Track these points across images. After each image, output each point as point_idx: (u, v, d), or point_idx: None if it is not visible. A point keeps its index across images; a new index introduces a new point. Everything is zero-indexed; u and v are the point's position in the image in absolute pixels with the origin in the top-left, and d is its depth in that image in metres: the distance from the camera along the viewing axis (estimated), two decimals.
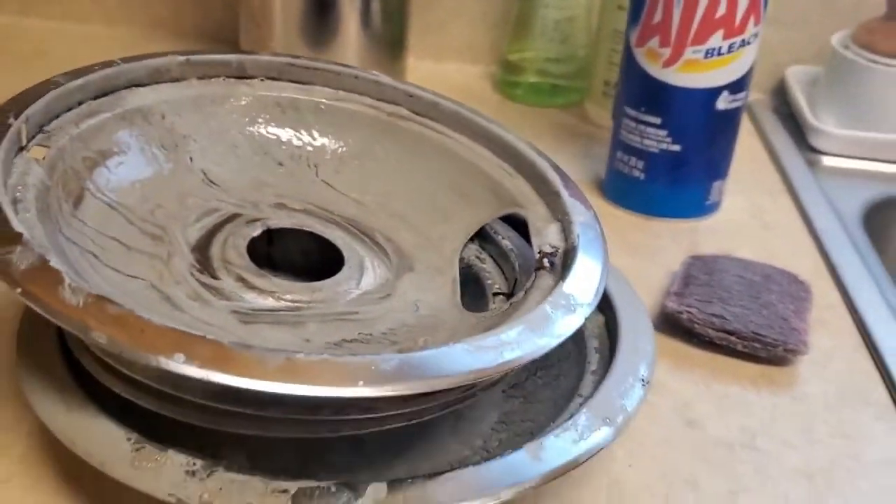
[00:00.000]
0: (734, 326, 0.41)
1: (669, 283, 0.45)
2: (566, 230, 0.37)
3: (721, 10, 0.48)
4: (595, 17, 0.67)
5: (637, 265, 0.48)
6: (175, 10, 0.76)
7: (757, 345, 0.41)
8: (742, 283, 0.44)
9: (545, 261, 0.36)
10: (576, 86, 0.69)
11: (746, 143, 0.65)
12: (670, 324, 0.43)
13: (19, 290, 0.27)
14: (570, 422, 0.31)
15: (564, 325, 0.31)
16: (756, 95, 0.73)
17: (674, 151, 0.51)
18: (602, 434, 0.31)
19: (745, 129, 0.68)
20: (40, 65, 0.69)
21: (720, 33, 0.48)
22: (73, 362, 0.32)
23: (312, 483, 0.27)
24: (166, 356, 0.26)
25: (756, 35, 0.50)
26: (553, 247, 0.37)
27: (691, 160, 0.52)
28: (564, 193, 0.39)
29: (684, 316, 0.42)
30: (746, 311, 0.42)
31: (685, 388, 0.40)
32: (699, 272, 0.45)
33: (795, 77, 0.70)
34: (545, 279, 0.35)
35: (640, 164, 0.53)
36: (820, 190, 0.58)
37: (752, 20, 0.49)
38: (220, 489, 0.27)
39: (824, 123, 0.65)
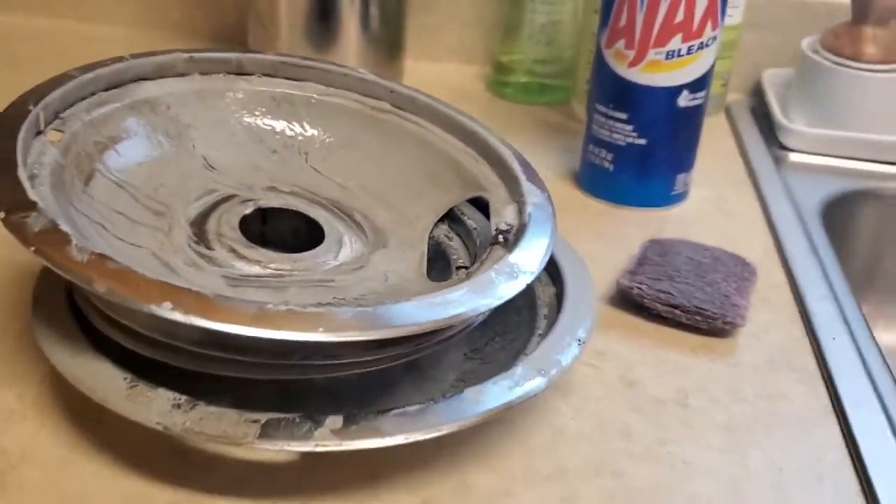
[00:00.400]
0: (679, 301, 0.45)
1: (627, 264, 0.50)
2: (521, 210, 0.42)
3: (679, 16, 0.52)
4: (580, 21, 0.71)
5: (603, 249, 0.53)
6: (190, 15, 0.81)
7: (698, 317, 0.45)
8: (691, 264, 0.48)
9: (500, 237, 0.40)
10: (562, 85, 0.74)
11: (720, 141, 0.70)
12: (624, 299, 0.47)
13: (33, 248, 0.32)
14: (508, 372, 0.35)
15: (506, 289, 0.35)
16: (735, 96, 0.77)
17: (639, 145, 0.56)
18: (535, 383, 0.35)
19: (722, 127, 0.72)
20: (68, 64, 0.74)
21: (679, 37, 0.53)
22: (80, 316, 0.37)
23: (280, 415, 0.32)
24: (157, 304, 0.30)
25: (714, 39, 0.54)
26: (508, 224, 0.41)
27: (656, 153, 0.56)
28: (522, 178, 0.43)
29: (634, 291, 0.46)
30: (692, 287, 0.46)
31: (631, 354, 0.44)
32: (654, 254, 0.49)
33: (771, 79, 0.74)
34: (498, 252, 0.39)
35: (610, 157, 0.57)
36: (782, 183, 0.63)
37: (709, 25, 0.53)
38: (201, 419, 0.32)
39: (795, 123, 0.68)
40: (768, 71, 0.75)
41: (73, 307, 0.38)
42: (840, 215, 0.63)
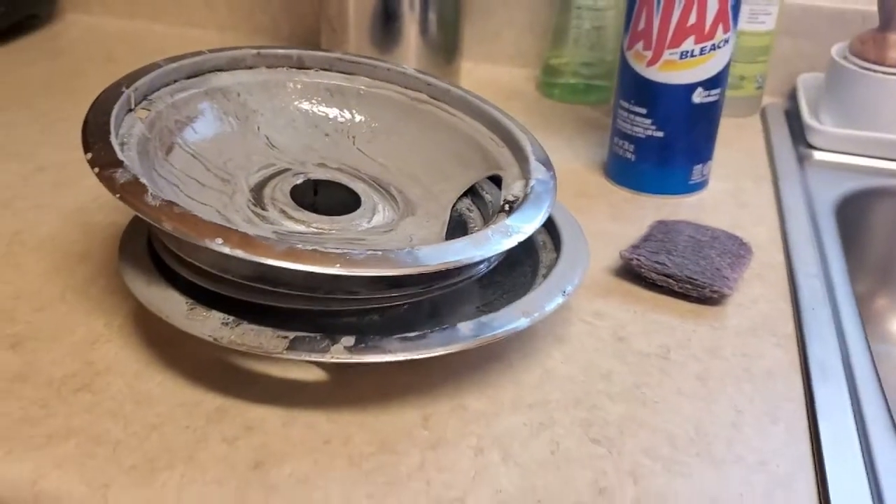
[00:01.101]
0: (672, 271, 0.51)
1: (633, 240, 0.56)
2: (527, 185, 0.48)
3: (692, 20, 0.58)
4: (621, 26, 0.77)
5: (617, 229, 0.59)
6: (274, 18, 0.90)
7: (689, 286, 0.51)
8: (690, 241, 0.54)
9: (506, 206, 0.47)
10: (605, 85, 0.80)
11: (751, 140, 0.75)
12: (625, 270, 0.53)
13: (118, 195, 0.40)
14: (497, 313, 0.42)
15: (499, 244, 0.42)
16: (773, 99, 0.81)
17: (658, 137, 0.62)
18: (519, 321, 0.42)
19: (754, 127, 0.77)
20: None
21: (692, 38, 0.58)
22: (156, 258, 0.45)
23: (305, 333, 0.40)
24: (210, 239, 0.38)
25: (726, 41, 0.59)
26: (514, 196, 0.48)
27: (673, 145, 0.62)
28: (532, 158, 0.50)
29: (633, 262, 0.52)
30: (686, 261, 0.52)
31: (624, 316, 0.50)
32: (658, 232, 0.55)
33: (804, 83, 0.78)
34: (501, 218, 0.46)
35: (632, 148, 0.63)
36: (802, 179, 0.67)
37: (720, 28, 0.58)
38: (243, 334, 0.40)
39: (824, 124, 0.73)
40: (803, 75, 0.80)
41: (151, 252, 0.46)
42: (856, 210, 0.67)
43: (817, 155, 0.72)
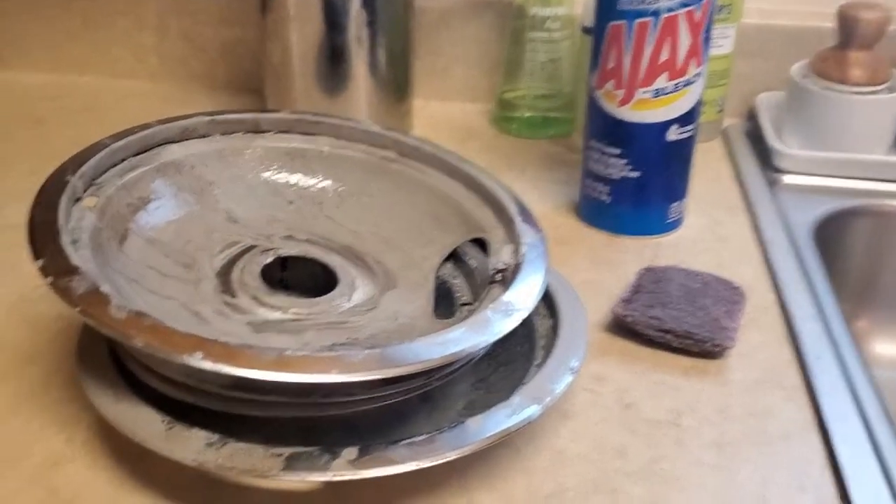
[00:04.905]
0: (670, 326, 0.49)
1: (622, 292, 0.53)
2: (516, 250, 0.45)
3: (664, 56, 0.56)
4: (578, 57, 0.75)
5: (602, 277, 0.56)
6: (209, 66, 0.86)
7: (689, 341, 0.48)
8: (683, 290, 0.52)
9: (497, 276, 0.44)
10: (565, 117, 0.77)
11: (716, 166, 0.73)
12: (619, 326, 0.51)
13: (78, 308, 0.36)
14: (507, 402, 0.39)
15: (501, 326, 0.39)
16: (731, 120, 0.80)
17: (634, 177, 0.59)
18: (531, 410, 0.39)
19: (718, 152, 0.75)
20: (92, 118, 0.79)
21: (665, 75, 0.56)
22: (121, 366, 0.41)
23: (301, 448, 0.36)
24: (189, 354, 0.34)
25: (699, 75, 0.57)
26: (505, 264, 0.45)
27: (649, 184, 0.60)
28: (518, 220, 0.47)
29: (628, 319, 0.50)
30: (683, 313, 0.50)
31: (626, 378, 0.47)
32: (648, 281, 0.53)
33: (764, 103, 0.77)
34: (496, 290, 0.43)
35: (606, 189, 0.60)
36: (775, 205, 0.66)
37: (693, 63, 0.56)
38: (232, 455, 0.36)
39: (788, 145, 0.71)
40: (762, 95, 0.78)
41: (114, 357, 0.42)
42: (833, 233, 0.66)
43: (786, 178, 0.70)
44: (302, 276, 0.49)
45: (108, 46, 0.86)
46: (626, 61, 0.56)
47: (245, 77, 0.85)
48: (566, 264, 0.56)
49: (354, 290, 0.47)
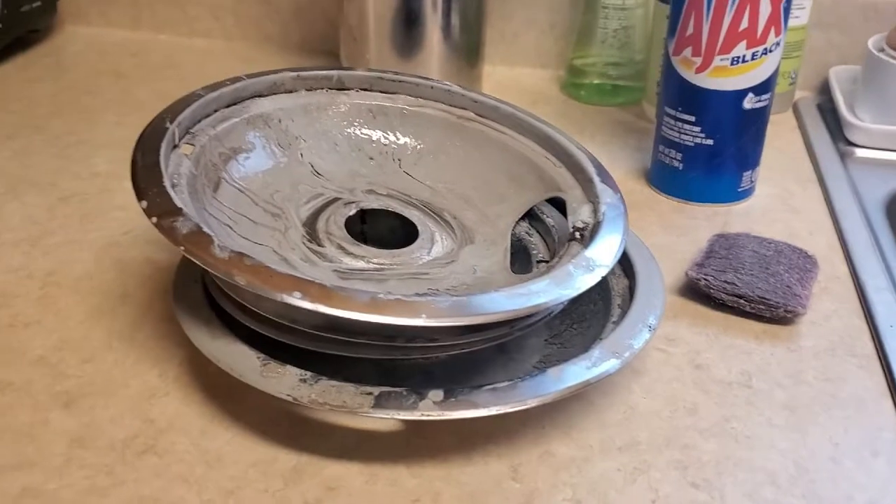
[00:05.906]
0: (743, 291, 0.49)
1: (695, 256, 0.54)
2: (595, 210, 0.46)
3: (744, 24, 0.56)
4: (650, 26, 0.75)
5: (673, 242, 0.57)
6: (283, 27, 0.87)
7: (762, 306, 0.49)
8: (755, 257, 0.52)
9: (576, 234, 0.45)
10: (634, 86, 0.78)
11: (787, 138, 0.73)
12: (692, 289, 0.51)
13: (182, 248, 0.38)
14: (586, 354, 0.40)
15: (583, 281, 0.40)
16: (803, 93, 0.79)
17: (707, 145, 0.60)
18: (610, 363, 0.40)
19: (789, 124, 0.75)
20: (172, 74, 0.81)
21: (744, 44, 0.56)
22: (213, 304, 0.43)
23: (390, 388, 0.37)
24: (288, 293, 0.36)
25: (778, 44, 0.57)
26: (584, 223, 0.46)
27: (723, 152, 0.60)
28: (597, 180, 0.48)
29: (702, 282, 0.50)
30: (755, 278, 0.50)
31: (698, 340, 0.48)
32: (720, 247, 0.53)
33: (837, 76, 0.77)
34: (575, 248, 0.44)
35: (679, 156, 0.61)
36: (847, 178, 0.65)
37: (772, 32, 0.56)
38: (324, 391, 0.37)
39: (861, 119, 0.71)
40: (835, 68, 0.78)
41: (207, 295, 0.44)
42: None
43: (859, 152, 0.70)
44: (381, 230, 0.51)
45: (186, 5, 0.88)
46: (706, 28, 0.56)
47: (318, 38, 0.87)
48: (637, 229, 0.57)
49: (434, 244, 0.48)
